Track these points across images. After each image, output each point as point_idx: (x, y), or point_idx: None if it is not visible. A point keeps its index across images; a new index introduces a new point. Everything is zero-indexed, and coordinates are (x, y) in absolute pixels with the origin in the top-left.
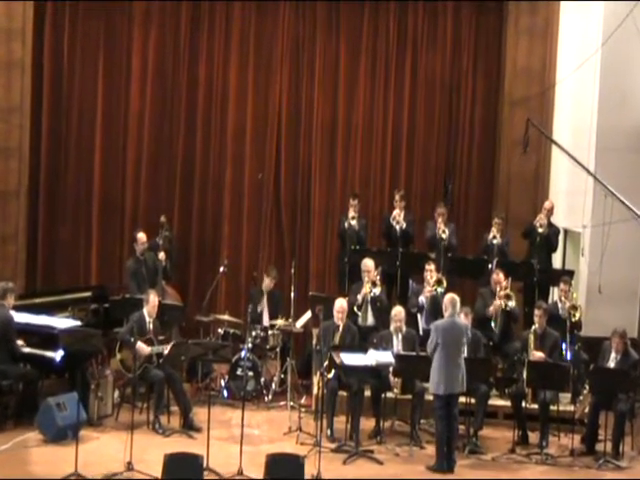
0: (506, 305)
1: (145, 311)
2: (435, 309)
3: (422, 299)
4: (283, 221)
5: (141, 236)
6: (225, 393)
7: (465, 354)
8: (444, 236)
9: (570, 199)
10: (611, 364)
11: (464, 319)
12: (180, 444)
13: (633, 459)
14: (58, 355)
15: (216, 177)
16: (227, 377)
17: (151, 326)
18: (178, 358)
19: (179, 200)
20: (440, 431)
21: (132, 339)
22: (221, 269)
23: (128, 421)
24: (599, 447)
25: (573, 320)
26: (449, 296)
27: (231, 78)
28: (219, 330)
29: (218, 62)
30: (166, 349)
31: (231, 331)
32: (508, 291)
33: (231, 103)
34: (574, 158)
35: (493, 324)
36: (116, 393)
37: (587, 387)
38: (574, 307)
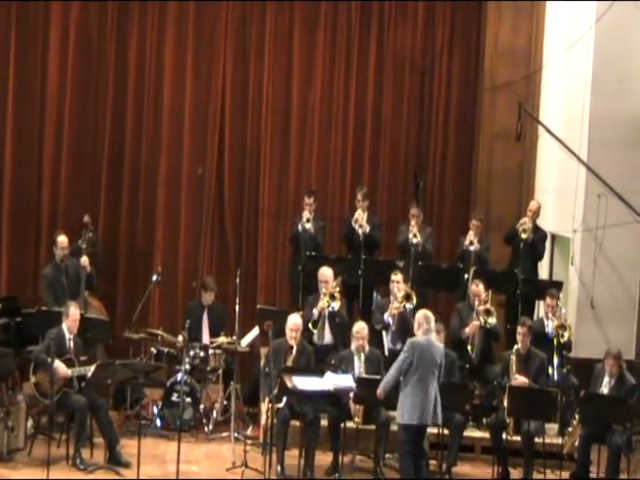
0: (486, 322)
1: (64, 326)
2: (403, 327)
3: (387, 317)
4: (227, 223)
5: (62, 239)
6: (158, 422)
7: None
8: (415, 241)
9: (559, 199)
10: (604, 390)
11: (435, 337)
12: None
13: None
14: None
15: (149, 171)
16: (161, 404)
17: (71, 344)
18: (103, 382)
19: (105, 197)
20: (406, 469)
21: (49, 359)
22: (154, 278)
23: (44, 455)
24: None
25: (562, 340)
26: (422, 312)
27: (166, 56)
28: (152, 349)
29: (151, 36)
30: (89, 371)
31: (166, 350)
32: (488, 306)
33: (166, 85)
34: (571, 150)
35: (469, 346)
36: (29, 422)
37: (577, 417)
38: (562, 326)
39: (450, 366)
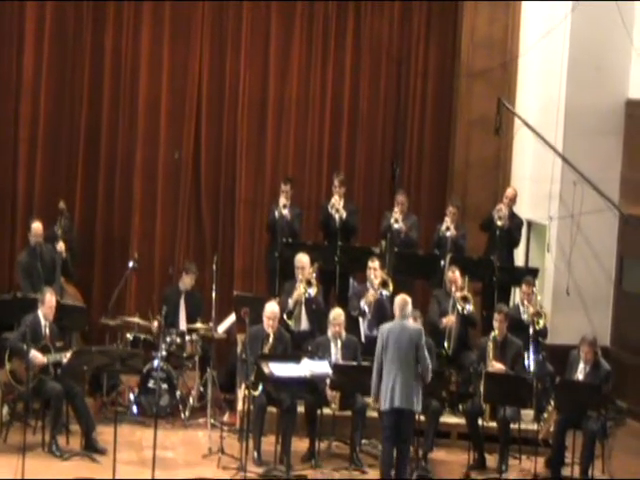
0: (463, 309)
1: (40, 313)
2: (380, 314)
3: (364, 304)
4: (203, 209)
5: (36, 226)
6: (135, 409)
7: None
8: (397, 226)
9: (535, 187)
10: (579, 376)
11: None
12: (81, 469)
13: None
14: None
15: (125, 158)
16: (137, 391)
17: (47, 331)
18: (79, 368)
19: (82, 184)
20: (385, 455)
21: (25, 346)
22: (130, 265)
23: (19, 442)
24: (566, 472)
25: (537, 327)
26: (400, 297)
27: (143, 45)
28: (128, 336)
29: (128, 26)
30: (65, 358)
31: (142, 337)
32: (466, 292)
33: (143, 73)
34: (548, 143)
35: (446, 342)
36: (5, 410)
37: (552, 403)
38: (538, 314)
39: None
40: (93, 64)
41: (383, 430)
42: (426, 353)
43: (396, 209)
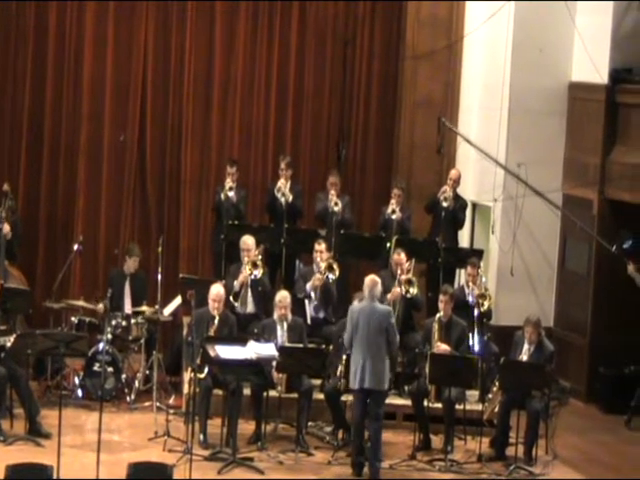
0: (407, 292)
1: None
2: (325, 297)
3: (309, 288)
4: (149, 191)
5: None
6: (79, 393)
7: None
8: (337, 209)
9: (479, 168)
10: (524, 357)
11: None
12: (25, 453)
13: (547, 464)
14: None
15: (69, 140)
16: (82, 374)
17: None
18: (23, 352)
19: (25, 165)
20: (355, 439)
21: None
22: (75, 247)
23: None
24: (510, 451)
25: (482, 309)
26: (370, 277)
27: (87, 23)
28: (72, 319)
29: (72, 4)
30: (9, 341)
31: (87, 320)
32: (410, 276)
33: (87, 52)
34: (489, 156)
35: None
36: None
37: (497, 383)
38: (483, 295)
39: None
40: (36, 44)
41: (353, 413)
42: (396, 334)
43: (332, 191)
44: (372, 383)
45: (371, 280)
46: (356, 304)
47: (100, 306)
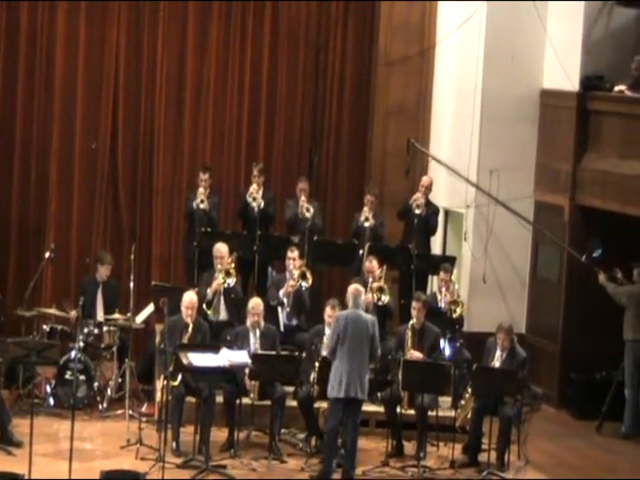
0: (379, 299)
1: None
2: (298, 305)
3: (282, 295)
4: (121, 198)
5: None
6: (51, 401)
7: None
8: (308, 215)
9: (452, 175)
10: (496, 363)
11: (330, 312)
12: None
13: (520, 470)
14: None
15: (41, 145)
16: (54, 382)
17: None
18: None
19: None
20: (330, 447)
21: None
22: (47, 254)
23: None
24: (482, 457)
25: (454, 315)
26: (352, 286)
27: (58, 25)
28: (44, 327)
29: (43, 7)
30: None
31: (59, 328)
32: (381, 283)
33: (58, 56)
34: (462, 176)
35: None
36: None
37: (469, 390)
38: (455, 302)
39: None
40: (7, 46)
41: (328, 419)
42: (378, 343)
43: (303, 197)
44: (358, 392)
45: (355, 289)
46: (342, 312)
47: (72, 313)
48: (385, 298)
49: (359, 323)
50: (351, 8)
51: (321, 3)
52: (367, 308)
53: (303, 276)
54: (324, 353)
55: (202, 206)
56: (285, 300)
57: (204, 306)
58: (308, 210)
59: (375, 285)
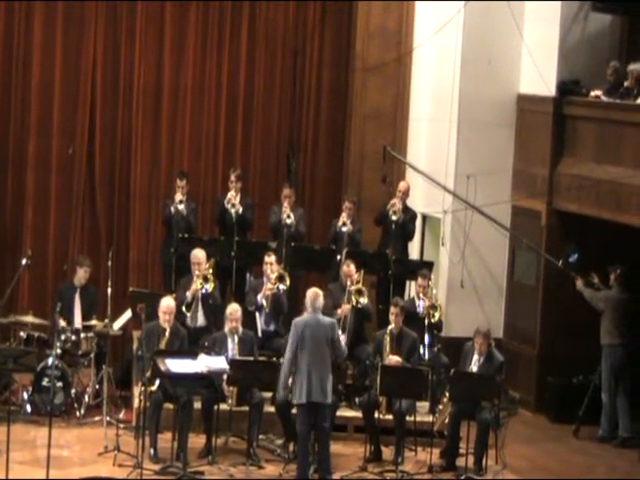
0: (357, 302)
1: None
2: (276, 308)
3: (260, 299)
4: (98, 204)
5: None
6: (28, 408)
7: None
8: (289, 221)
9: (429, 180)
10: (474, 368)
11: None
12: None
13: (497, 474)
14: None
15: (17, 149)
16: (31, 389)
17: None
18: None
19: None
20: (302, 453)
21: None
22: (23, 261)
23: None
24: (460, 462)
25: (432, 320)
26: (311, 290)
27: (35, 31)
28: (21, 334)
29: (20, 11)
30: None
31: (36, 335)
32: (360, 286)
33: (35, 61)
34: (439, 183)
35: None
36: None
37: (447, 394)
38: (433, 307)
39: None
40: None
41: (298, 426)
42: (342, 343)
43: (285, 203)
44: (319, 396)
45: (313, 293)
46: (300, 318)
47: (61, 323)
48: (364, 300)
49: (318, 327)
50: (328, 14)
51: (298, 8)
52: (346, 315)
53: (281, 278)
54: (283, 360)
55: (180, 207)
56: (264, 303)
57: (183, 308)
58: (289, 216)
59: (353, 288)
